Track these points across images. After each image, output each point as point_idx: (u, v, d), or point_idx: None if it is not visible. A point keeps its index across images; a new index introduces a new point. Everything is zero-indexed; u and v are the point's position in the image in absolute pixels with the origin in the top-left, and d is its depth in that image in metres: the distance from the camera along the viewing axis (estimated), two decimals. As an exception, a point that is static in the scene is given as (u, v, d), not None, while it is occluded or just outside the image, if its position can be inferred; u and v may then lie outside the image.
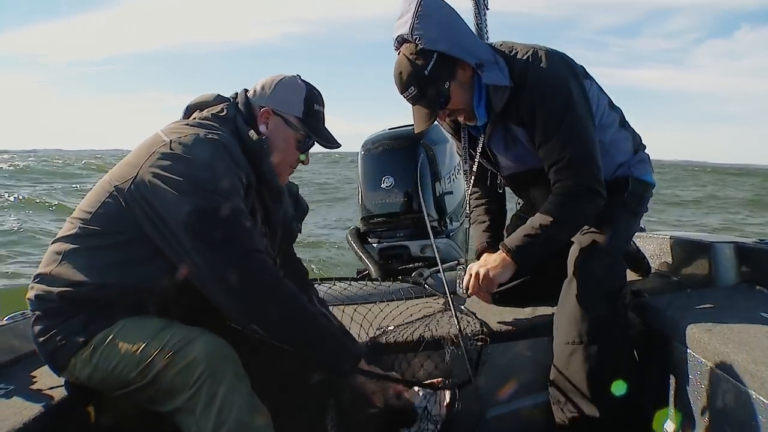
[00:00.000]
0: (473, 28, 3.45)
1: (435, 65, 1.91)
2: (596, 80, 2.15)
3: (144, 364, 1.51)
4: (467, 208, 2.47)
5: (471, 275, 2.04)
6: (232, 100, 1.84)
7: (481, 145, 2.19)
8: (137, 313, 1.60)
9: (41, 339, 1.60)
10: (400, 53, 1.96)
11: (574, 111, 1.94)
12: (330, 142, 1.87)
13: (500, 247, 2.04)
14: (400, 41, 1.98)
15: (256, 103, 1.81)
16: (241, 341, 1.59)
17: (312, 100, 1.83)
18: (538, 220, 1.99)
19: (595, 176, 1.96)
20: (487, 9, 3.51)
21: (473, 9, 3.45)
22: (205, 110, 1.79)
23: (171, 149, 1.57)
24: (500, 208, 2.47)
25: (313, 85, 1.87)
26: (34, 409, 1.59)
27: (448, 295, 2.15)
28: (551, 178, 2.01)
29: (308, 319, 1.62)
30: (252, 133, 1.72)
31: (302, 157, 1.88)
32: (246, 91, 1.86)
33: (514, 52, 2.02)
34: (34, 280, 1.63)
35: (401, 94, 1.99)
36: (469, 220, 2.46)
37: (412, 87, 1.94)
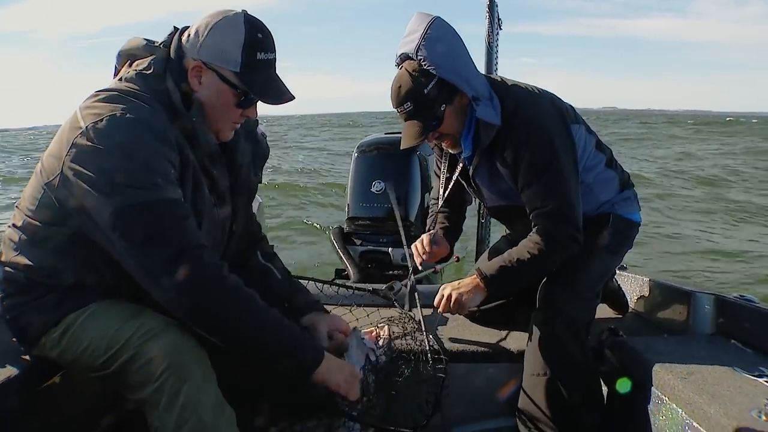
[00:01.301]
0: (485, 45, 3.48)
1: (435, 87, 1.92)
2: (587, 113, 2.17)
3: (111, 352, 1.45)
4: (431, 221, 2.50)
5: (443, 296, 2.07)
6: (162, 46, 1.58)
7: (458, 171, 2.21)
8: (110, 296, 1.54)
9: (10, 316, 1.55)
10: (402, 68, 1.96)
11: (556, 165, 1.95)
12: (277, 98, 1.58)
13: (475, 271, 2.08)
14: (404, 58, 1.98)
15: (188, 53, 1.53)
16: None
17: (254, 47, 1.51)
18: (515, 254, 2.02)
19: (574, 224, 2.00)
20: (501, 29, 3.55)
21: (486, 27, 3.49)
22: (134, 64, 1.57)
23: (87, 140, 1.38)
24: (456, 227, 2.50)
25: (260, 23, 1.54)
26: (2, 374, 1.55)
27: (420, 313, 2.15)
28: (532, 220, 2.04)
29: (258, 318, 1.47)
30: (179, 104, 1.51)
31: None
32: (183, 31, 1.57)
33: (506, 91, 2.03)
34: None
35: (396, 108, 1.99)
36: (429, 225, 2.51)
37: (409, 103, 1.94)
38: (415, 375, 1.85)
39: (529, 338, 2.04)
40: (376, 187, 3.36)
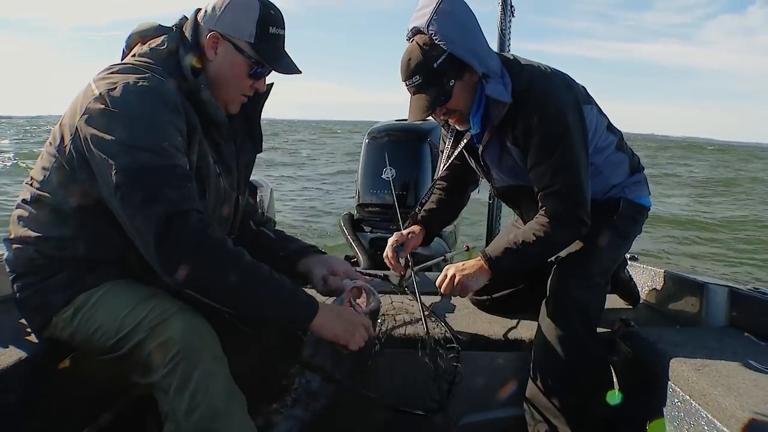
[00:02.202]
0: (497, 32, 3.45)
1: (445, 61, 1.89)
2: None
3: (122, 334, 1.45)
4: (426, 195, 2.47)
5: (446, 276, 2.04)
6: (175, 28, 1.67)
7: (461, 146, 2.19)
8: (122, 276, 1.54)
9: (21, 296, 1.55)
10: (413, 41, 1.93)
11: (568, 140, 1.93)
12: (286, 69, 1.69)
13: (479, 253, 2.06)
14: (415, 32, 1.95)
15: (205, 27, 1.63)
16: (221, 317, 1.52)
17: (267, 21, 1.63)
18: (521, 236, 2.00)
19: (582, 206, 1.97)
20: (513, 16, 3.51)
21: (499, 13, 3.45)
22: (147, 43, 1.64)
23: (100, 105, 1.43)
24: (453, 203, 2.48)
25: (271, 2, 1.67)
26: (11, 355, 1.56)
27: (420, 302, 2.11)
28: (539, 200, 2.01)
29: (247, 275, 1.45)
30: (188, 70, 1.58)
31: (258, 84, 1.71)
32: (198, 11, 1.68)
33: (520, 69, 2.00)
34: (6, 243, 1.58)
35: (404, 81, 1.96)
36: (423, 198, 2.48)
37: (418, 76, 1.91)
38: (428, 362, 1.84)
39: (540, 326, 2.02)
40: (387, 173, 3.34)
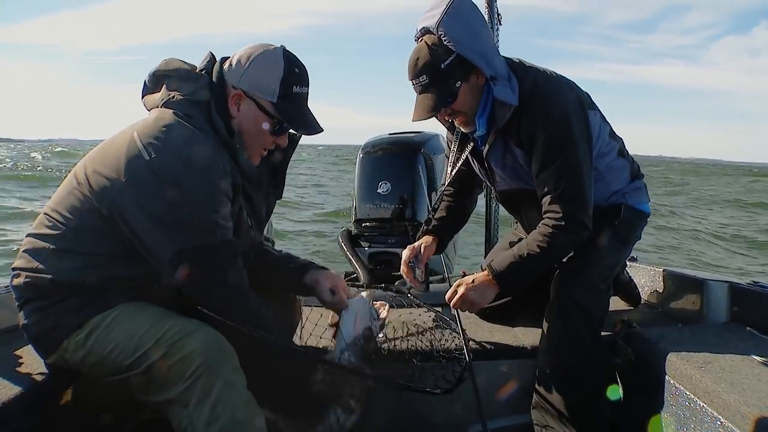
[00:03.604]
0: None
1: (452, 62, 1.90)
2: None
3: (140, 352, 1.47)
4: (437, 202, 2.48)
5: (456, 293, 2.05)
6: (206, 73, 1.67)
7: (467, 150, 2.20)
8: (135, 299, 1.56)
9: (30, 321, 1.55)
10: (422, 41, 1.94)
11: (572, 146, 1.94)
12: (308, 129, 1.71)
13: (486, 267, 2.06)
14: (424, 32, 1.96)
15: (229, 81, 1.64)
16: (239, 336, 1.55)
17: (291, 81, 1.63)
18: (525, 248, 2.00)
19: (585, 210, 1.97)
20: (500, 24, 3.53)
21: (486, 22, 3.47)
22: (175, 85, 1.63)
23: (150, 172, 1.45)
24: (462, 209, 2.50)
25: (297, 59, 1.67)
26: (13, 388, 1.55)
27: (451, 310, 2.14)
28: (543, 206, 2.02)
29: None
30: (222, 129, 1.60)
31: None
32: (224, 61, 1.69)
33: (525, 72, 2.01)
34: (14, 272, 1.58)
35: (411, 80, 1.97)
36: (435, 204, 2.48)
37: (424, 76, 1.92)
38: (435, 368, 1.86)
39: (544, 332, 2.02)
40: (383, 187, 3.33)
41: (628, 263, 2.69)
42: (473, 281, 2.05)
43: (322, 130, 1.72)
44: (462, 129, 2.17)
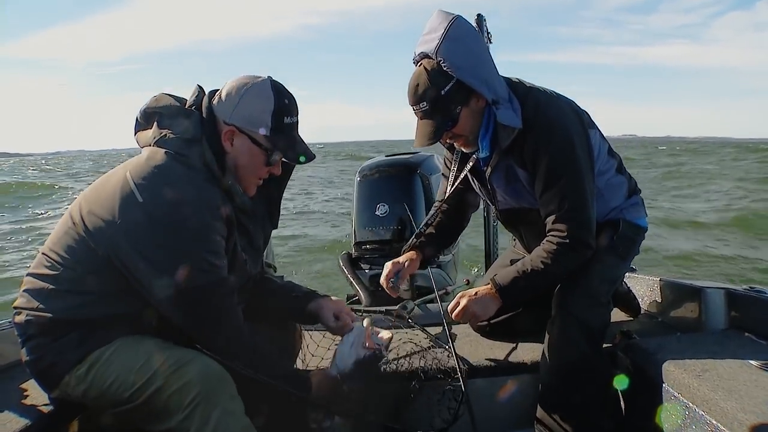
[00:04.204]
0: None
1: (452, 88, 1.90)
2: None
3: (139, 384, 1.50)
4: (432, 212, 2.49)
5: (459, 304, 2.05)
6: (196, 109, 1.68)
7: (467, 169, 2.21)
8: (133, 332, 1.59)
9: (32, 357, 1.57)
10: (421, 66, 1.94)
11: (576, 166, 1.95)
12: (301, 158, 1.72)
13: (489, 281, 2.07)
14: (422, 56, 1.96)
15: (220, 117, 1.65)
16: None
17: (282, 112, 1.65)
18: (529, 264, 2.02)
19: (589, 230, 1.99)
20: (491, 42, 3.58)
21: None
22: (167, 123, 1.65)
23: (145, 215, 1.47)
24: (453, 228, 2.51)
25: (285, 89, 1.69)
26: (19, 422, 1.57)
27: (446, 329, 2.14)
28: (547, 225, 2.03)
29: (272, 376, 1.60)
30: (215, 166, 1.61)
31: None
32: (212, 95, 1.70)
33: (526, 92, 2.02)
34: (15, 310, 1.61)
35: (412, 106, 1.97)
36: (428, 219, 2.48)
37: (425, 102, 1.92)
38: (434, 390, 1.86)
39: (545, 348, 2.03)
40: (381, 210, 3.38)
41: (626, 274, 2.70)
42: (476, 294, 2.06)
43: (315, 157, 1.75)
44: (464, 150, 2.18)
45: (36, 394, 1.75)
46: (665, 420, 1.82)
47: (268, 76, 1.69)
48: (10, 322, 2.08)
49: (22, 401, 1.73)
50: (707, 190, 18.99)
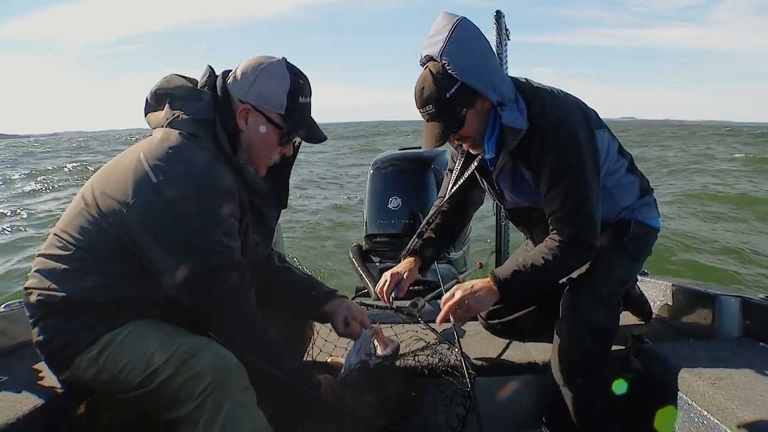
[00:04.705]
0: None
1: (457, 91, 1.89)
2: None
3: (151, 370, 1.49)
4: (433, 212, 2.47)
5: (453, 296, 2.03)
6: (208, 89, 1.68)
7: (471, 168, 2.21)
8: (146, 316, 1.58)
9: (42, 338, 1.57)
10: (426, 68, 1.94)
11: (580, 166, 1.93)
12: (315, 137, 1.73)
13: (489, 274, 2.06)
14: (428, 58, 1.95)
15: (235, 96, 1.65)
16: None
17: (297, 92, 1.66)
18: (530, 258, 2.00)
19: (592, 230, 1.97)
20: (509, 39, 3.56)
21: (494, 38, 3.50)
22: (179, 104, 1.64)
23: (159, 197, 1.46)
24: (454, 229, 2.50)
25: (300, 71, 1.69)
26: (28, 403, 1.57)
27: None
28: (551, 224, 2.02)
29: (276, 365, 1.60)
30: (227, 146, 1.61)
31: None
32: (225, 75, 1.70)
33: (533, 93, 2.01)
34: (26, 291, 1.60)
35: (418, 108, 1.97)
36: (428, 218, 2.47)
37: (431, 105, 1.92)
38: (443, 390, 1.85)
39: (554, 348, 2.01)
40: (393, 203, 3.37)
41: (638, 277, 2.68)
42: (472, 287, 2.05)
43: (326, 138, 1.76)
44: (471, 151, 2.17)
45: (45, 376, 1.75)
46: (678, 427, 1.81)
47: (283, 57, 1.69)
48: (20, 302, 2.08)
49: (31, 382, 1.73)
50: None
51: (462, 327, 2.52)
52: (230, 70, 1.70)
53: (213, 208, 1.50)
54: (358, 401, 1.69)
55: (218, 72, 1.72)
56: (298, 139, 1.78)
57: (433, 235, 2.42)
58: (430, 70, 1.92)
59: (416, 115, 2.01)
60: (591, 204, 1.96)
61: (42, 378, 1.75)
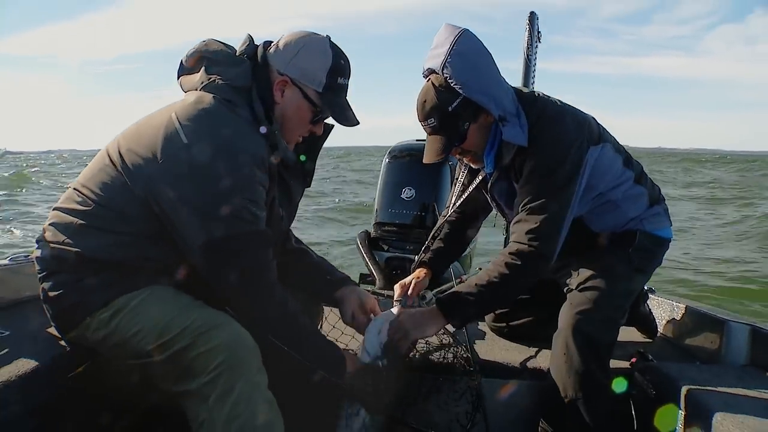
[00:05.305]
0: (523, 57, 3.47)
1: (459, 105, 1.88)
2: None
3: (165, 339, 1.46)
4: (440, 222, 2.45)
5: (396, 323, 1.91)
6: (247, 57, 1.65)
7: (476, 183, 2.20)
8: (164, 281, 1.55)
9: (53, 294, 1.52)
10: (429, 81, 1.94)
11: (555, 176, 1.89)
12: (348, 121, 1.71)
13: (436, 301, 1.97)
14: (430, 71, 1.95)
15: (275, 67, 1.64)
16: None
17: (337, 72, 1.65)
18: (476, 279, 1.94)
19: (546, 239, 1.89)
20: (540, 42, 3.53)
21: (526, 39, 3.47)
22: (216, 69, 1.61)
23: (189, 157, 1.43)
24: (463, 238, 2.47)
25: (342, 51, 1.68)
26: (27, 361, 1.55)
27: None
28: (510, 229, 1.98)
29: (300, 341, 1.60)
30: (262, 116, 1.58)
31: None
32: (267, 45, 1.68)
33: (531, 106, 1.97)
34: (38, 243, 1.57)
35: (420, 122, 1.96)
36: (433, 231, 2.45)
37: (433, 119, 1.92)
38: (451, 387, 1.84)
39: (551, 359, 1.99)
40: (407, 193, 3.35)
41: (649, 295, 2.66)
42: (415, 313, 1.97)
43: (359, 123, 1.73)
44: (472, 166, 2.17)
45: (47, 334, 1.72)
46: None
47: (327, 35, 1.67)
48: (26, 256, 2.05)
49: (32, 339, 1.70)
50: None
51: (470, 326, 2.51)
52: (271, 41, 1.68)
53: (244, 175, 1.47)
54: (377, 388, 1.68)
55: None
56: (330, 120, 1.75)
57: (442, 245, 2.40)
58: (432, 83, 1.91)
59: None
60: (554, 215, 1.90)
61: (44, 336, 1.72)
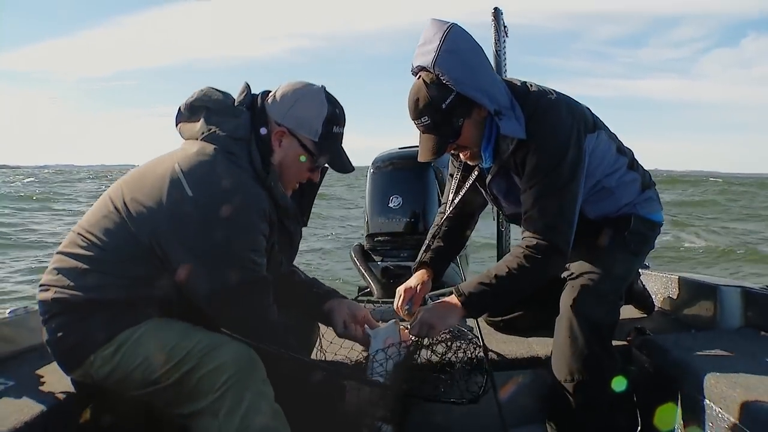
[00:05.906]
0: (492, 53, 3.50)
1: (453, 101, 1.86)
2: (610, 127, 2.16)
3: (171, 365, 1.50)
4: (438, 220, 2.41)
5: (418, 319, 1.95)
6: (246, 108, 1.71)
7: (471, 179, 2.20)
8: (161, 312, 1.59)
9: (57, 335, 1.56)
10: (420, 78, 1.90)
11: (559, 169, 1.90)
12: (343, 168, 1.79)
13: (454, 291, 1.98)
14: (420, 68, 1.91)
15: (272, 118, 1.70)
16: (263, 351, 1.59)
17: (332, 121, 1.71)
18: (494, 270, 1.95)
19: (560, 233, 1.91)
20: (507, 36, 3.56)
21: (493, 34, 3.50)
22: (215, 120, 1.66)
23: (194, 209, 1.50)
24: (462, 236, 2.45)
25: (337, 100, 1.75)
26: (34, 407, 1.57)
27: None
28: (522, 226, 1.98)
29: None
30: (260, 165, 1.64)
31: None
32: (265, 95, 1.74)
33: (525, 98, 1.97)
34: (42, 287, 1.60)
35: (413, 120, 1.93)
36: (432, 230, 2.42)
37: (426, 117, 1.88)
38: (458, 376, 1.86)
39: (554, 345, 2.00)
40: (394, 202, 3.37)
41: (640, 271, 2.68)
42: (435, 307, 1.99)
43: (354, 170, 1.82)
44: (469, 162, 2.15)
45: (50, 379, 1.74)
46: (681, 417, 1.81)
47: (322, 86, 1.75)
48: (24, 308, 2.09)
49: (36, 387, 1.72)
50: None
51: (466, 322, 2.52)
52: (269, 91, 1.75)
53: (246, 226, 1.54)
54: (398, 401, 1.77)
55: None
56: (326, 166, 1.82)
57: (442, 244, 2.37)
58: (423, 81, 1.88)
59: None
60: (566, 209, 1.93)
61: (47, 382, 1.74)
